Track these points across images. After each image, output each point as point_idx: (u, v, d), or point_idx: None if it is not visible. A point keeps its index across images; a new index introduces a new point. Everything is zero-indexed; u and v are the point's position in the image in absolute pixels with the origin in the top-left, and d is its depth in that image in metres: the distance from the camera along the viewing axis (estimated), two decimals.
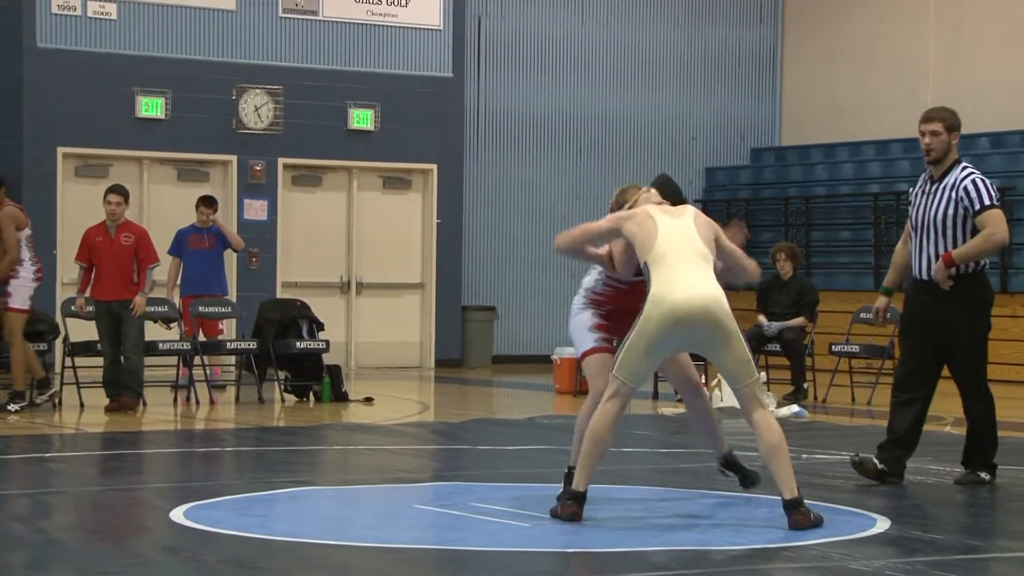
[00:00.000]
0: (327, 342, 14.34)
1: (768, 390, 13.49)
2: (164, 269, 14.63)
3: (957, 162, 8.32)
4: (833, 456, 9.71)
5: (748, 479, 7.61)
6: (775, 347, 14.57)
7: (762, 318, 14.57)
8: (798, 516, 6.65)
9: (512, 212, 20.28)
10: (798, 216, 20.01)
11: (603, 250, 7.39)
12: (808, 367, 14.48)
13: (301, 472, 9.03)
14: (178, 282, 14.68)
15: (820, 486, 8.17)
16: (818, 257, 19.67)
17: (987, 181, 8.32)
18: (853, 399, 14.42)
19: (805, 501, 6.73)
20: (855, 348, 14.96)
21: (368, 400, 13.99)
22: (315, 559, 6.04)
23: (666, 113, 21.04)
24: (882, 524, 6.91)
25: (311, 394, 14.02)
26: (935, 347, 8.31)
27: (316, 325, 14.43)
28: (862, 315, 15.32)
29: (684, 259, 6.85)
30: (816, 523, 6.65)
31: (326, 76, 18.73)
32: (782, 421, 12.34)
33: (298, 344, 14.09)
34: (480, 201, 20.06)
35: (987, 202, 8.18)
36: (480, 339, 19.66)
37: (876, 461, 8.25)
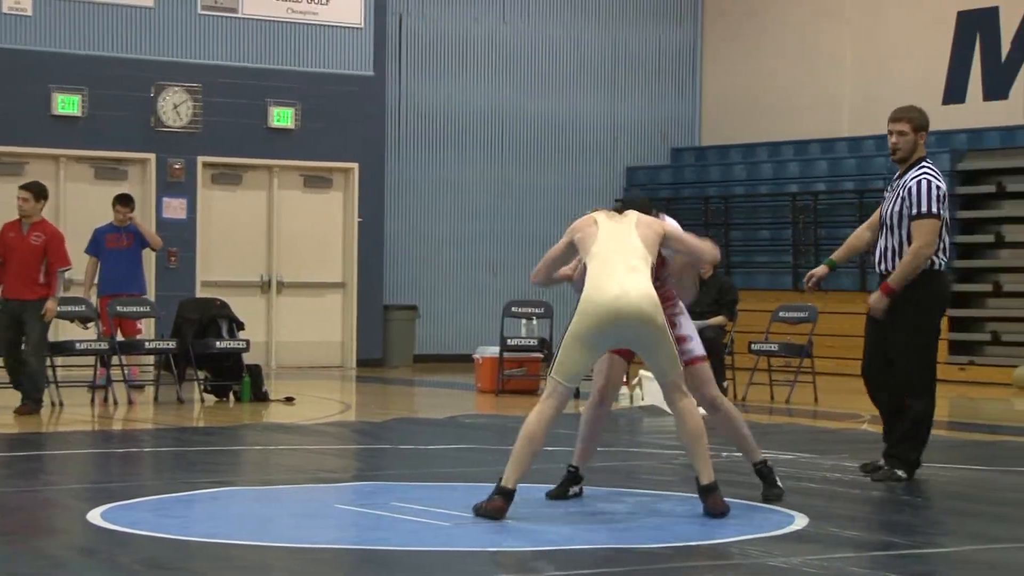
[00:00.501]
0: (247, 341, 14.25)
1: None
2: (81, 268, 14.50)
3: (919, 160, 8.39)
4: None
5: (769, 495, 7.53)
6: None
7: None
8: (714, 499, 6.89)
9: (434, 211, 20.26)
10: (718, 215, 20.15)
11: (568, 270, 7.43)
12: (728, 365, 14.59)
13: (221, 472, 8.97)
14: (96, 281, 14.53)
15: (739, 483, 8.22)
16: (737, 256, 19.83)
17: (935, 184, 8.31)
18: (772, 397, 14.55)
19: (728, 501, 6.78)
20: (774, 347, 15.09)
21: (289, 400, 13.92)
22: (233, 559, 6.00)
23: (588, 113, 21.11)
24: (800, 521, 6.97)
25: (231, 394, 13.92)
26: (886, 338, 8.37)
27: (236, 324, 14.33)
28: (780, 314, 15.46)
29: (619, 259, 6.99)
30: (727, 509, 6.88)
31: (246, 74, 18.61)
32: (704, 419, 12.46)
33: (218, 344, 13.99)
34: (402, 200, 20.03)
35: (923, 208, 8.22)
36: (401, 338, 19.63)
37: (882, 463, 8.39)
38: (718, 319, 14.60)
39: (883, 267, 8.40)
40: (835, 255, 8.80)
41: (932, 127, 21.16)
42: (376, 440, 10.72)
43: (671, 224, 7.34)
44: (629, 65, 21.39)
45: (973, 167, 18.32)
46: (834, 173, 19.51)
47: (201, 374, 14.04)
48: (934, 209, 8.22)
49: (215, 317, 14.27)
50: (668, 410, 13.03)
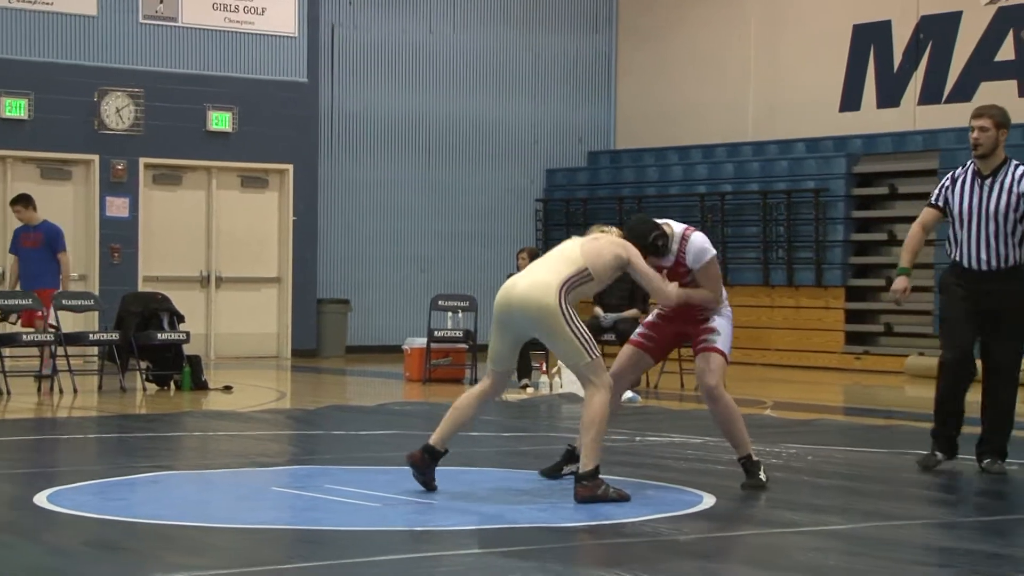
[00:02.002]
0: (187, 333, 14.14)
1: None
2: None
3: (1008, 159, 8.18)
4: (664, 438, 9.85)
5: (745, 484, 7.41)
6: (610, 337, 14.72)
7: (598, 310, 14.71)
8: (580, 488, 6.87)
9: (365, 210, 20.20)
10: (631, 214, 20.22)
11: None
12: None
13: (162, 457, 8.89)
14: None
15: (651, 466, 8.28)
16: None
17: None
18: (682, 385, 14.64)
19: (631, 479, 6.81)
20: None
21: (227, 388, 13.82)
22: (175, 540, 5.95)
23: (510, 117, 21.13)
24: (708, 501, 7.02)
25: (172, 383, 13.81)
26: (978, 333, 8.11)
27: (177, 317, 14.22)
28: None
29: (542, 263, 7.15)
30: (604, 498, 6.79)
31: (185, 80, 18.44)
32: (620, 406, 12.51)
33: (159, 335, 13.88)
34: (334, 200, 19.94)
35: None
36: (334, 330, 19.55)
37: (938, 455, 8.21)
38: (632, 312, 14.66)
39: (988, 261, 8.02)
40: (905, 262, 8.40)
41: (829, 132, 21.48)
42: (310, 426, 10.67)
43: (634, 258, 7.15)
44: (548, 73, 21.44)
45: (867, 170, 18.53)
46: (739, 175, 19.66)
47: (143, 364, 13.92)
48: None
49: (156, 310, 14.15)
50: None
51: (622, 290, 14.73)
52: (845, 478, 8.12)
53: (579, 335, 6.98)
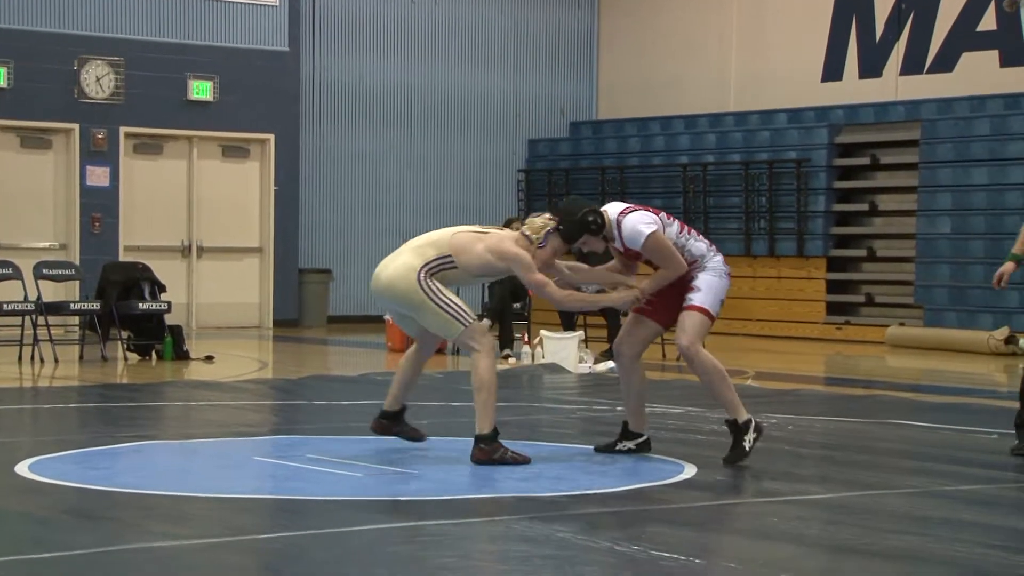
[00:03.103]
0: (169, 303, 14.09)
1: (587, 348, 13.64)
2: (7, 233, 14.23)
3: None
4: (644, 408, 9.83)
5: (729, 458, 7.27)
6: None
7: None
8: (476, 451, 7.03)
9: (346, 180, 20.15)
10: (613, 185, 20.22)
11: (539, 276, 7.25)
12: (623, 325, 14.64)
13: (144, 427, 8.87)
14: None
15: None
16: None
17: None
18: (664, 355, 14.66)
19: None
20: None
21: (209, 358, 13.79)
22: (156, 508, 5.94)
23: (492, 88, 21.07)
24: (689, 471, 7.03)
25: (153, 353, 13.78)
26: None
27: (158, 287, 14.18)
28: None
29: (411, 241, 7.37)
30: (501, 460, 6.95)
31: (166, 48, 18.34)
32: (600, 376, 12.56)
33: (141, 305, 13.83)
34: (315, 169, 19.88)
35: None
36: (316, 300, 19.53)
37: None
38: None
39: None
40: (1017, 248, 7.90)
41: (810, 103, 21.45)
42: (292, 396, 10.66)
43: (517, 264, 7.07)
44: (531, 44, 21.37)
45: (849, 140, 18.54)
46: (721, 146, 19.66)
47: (125, 334, 13.87)
48: None
49: (138, 280, 14.11)
50: (568, 368, 13.09)
51: (605, 260, 14.71)
52: (826, 448, 8.14)
53: (446, 307, 7.06)
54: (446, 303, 7.06)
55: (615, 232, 7.33)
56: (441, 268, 7.13)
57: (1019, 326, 15.94)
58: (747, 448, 7.20)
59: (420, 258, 7.14)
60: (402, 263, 7.16)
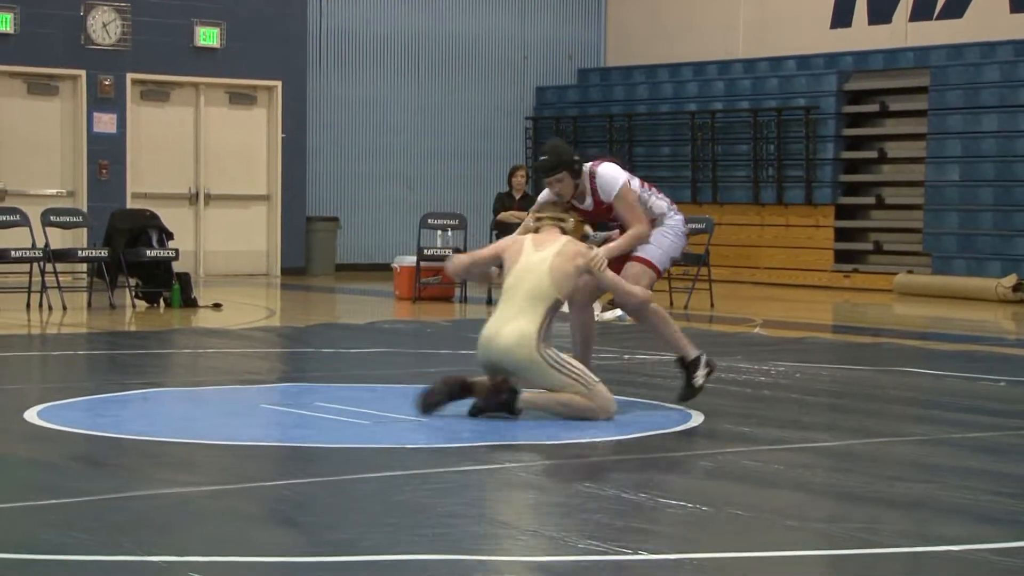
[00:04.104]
0: (176, 251, 14.09)
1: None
2: (12, 179, 14.19)
3: None
4: (652, 356, 9.85)
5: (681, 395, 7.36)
6: None
7: (588, 228, 14.65)
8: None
9: (354, 127, 20.08)
10: (621, 133, 20.14)
11: (492, 273, 7.27)
12: None
13: (152, 374, 8.88)
14: None
15: (641, 384, 8.29)
16: (640, 171, 19.70)
17: None
18: (671, 303, 14.65)
19: (620, 397, 6.81)
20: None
21: (217, 306, 13.80)
22: (164, 456, 5.95)
23: (500, 34, 20.95)
24: (697, 419, 7.04)
25: (161, 300, 13.78)
26: None
27: (166, 234, 14.17)
28: None
29: (510, 299, 6.91)
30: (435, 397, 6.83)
31: None
32: (607, 325, 12.55)
33: (148, 252, 13.83)
34: (323, 117, 19.81)
35: None
36: (324, 248, 19.51)
37: None
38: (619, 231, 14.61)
39: None
40: None
41: (819, 50, 21.30)
42: (300, 344, 10.66)
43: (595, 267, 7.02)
44: None
45: (858, 87, 18.42)
46: (730, 93, 19.54)
47: (132, 281, 13.88)
48: None
49: (145, 227, 14.10)
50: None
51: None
52: (833, 395, 8.13)
53: (570, 374, 6.87)
54: (569, 369, 6.88)
55: (586, 184, 7.26)
56: (552, 318, 6.94)
57: None
58: (697, 384, 7.30)
59: (533, 321, 6.85)
60: (516, 331, 6.83)
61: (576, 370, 6.90)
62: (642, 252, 7.30)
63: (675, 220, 7.40)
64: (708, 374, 7.35)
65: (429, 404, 6.88)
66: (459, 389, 6.91)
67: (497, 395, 6.83)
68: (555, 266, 6.97)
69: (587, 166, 7.36)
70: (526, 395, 6.85)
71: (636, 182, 7.41)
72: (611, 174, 7.31)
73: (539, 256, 7.01)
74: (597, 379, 6.93)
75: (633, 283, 7.21)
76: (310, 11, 19.45)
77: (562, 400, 6.84)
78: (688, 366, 7.33)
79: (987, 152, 16.84)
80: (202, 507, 4.99)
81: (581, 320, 7.53)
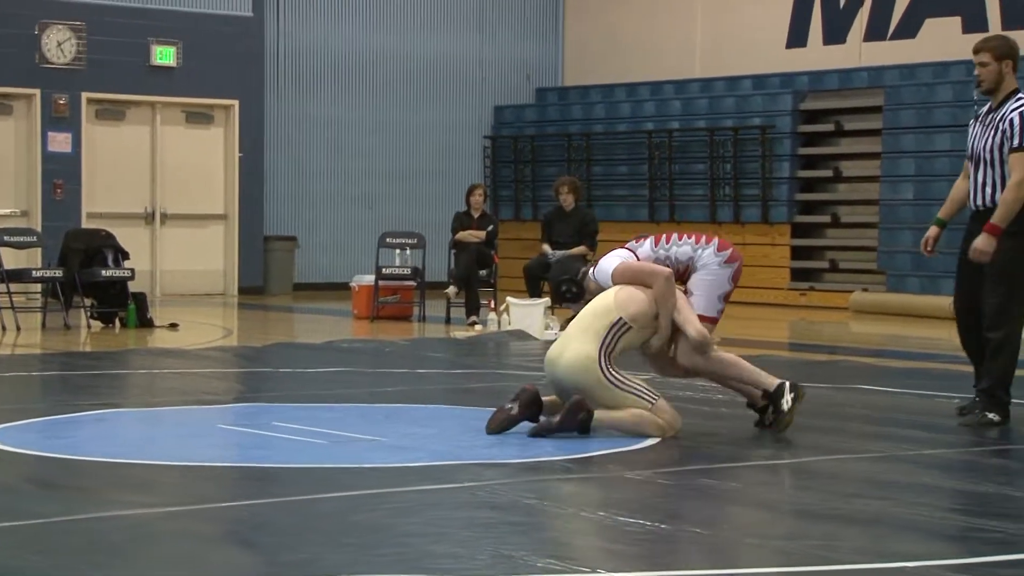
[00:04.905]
0: (132, 270, 14.01)
1: (553, 314, 13.64)
2: None
3: (1014, 92, 7.55)
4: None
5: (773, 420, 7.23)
6: None
7: (546, 247, 14.70)
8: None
9: (311, 146, 20.05)
10: (579, 152, 20.20)
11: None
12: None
13: (107, 395, 8.81)
14: None
15: None
16: (598, 190, 19.91)
17: None
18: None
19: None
20: None
21: (173, 326, 13.73)
22: (120, 477, 5.90)
23: (458, 53, 20.98)
24: (655, 437, 7.04)
25: (117, 320, 13.69)
26: (982, 275, 7.68)
27: (121, 254, 14.09)
28: None
29: (577, 321, 7.00)
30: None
31: (128, 13, 18.18)
32: None
33: (104, 272, 13.75)
34: (281, 136, 19.77)
35: (1022, 142, 7.43)
36: (281, 267, 19.45)
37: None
38: (580, 249, 14.65)
39: (979, 202, 7.64)
40: (941, 213, 7.98)
41: (775, 69, 21.49)
42: (257, 364, 10.62)
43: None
44: (496, 8, 21.29)
45: (813, 107, 18.56)
46: (687, 112, 19.64)
47: (87, 301, 13.79)
48: None
49: (101, 247, 14.02)
50: (534, 334, 13.10)
51: (571, 228, 14.72)
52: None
53: (633, 391, 6.85)
54: (631, 387, 6.85)
55: (596, 284, 7.18)
56: (617, 338, 6.84)
57: None
58: (785, 409, 7.08)
59: (595, 339, 6.81)
60: (577, 350, 6.80)
61: (637, 387, 6.88)
62: (702, 311, 7.06)
63: (706, 255, 7.11)
64: (794, 398, 7.09)
65: (502, 424, 6.87)
66: (535, 407, 6.91)
67: (574, 415, 6.79)
68: (621, 291, 6.94)
69: (591, 272, 7.18)
70: (598, 413, 6.85)
71: (645, 246, 7.19)
72: (603, 271, 7.12)
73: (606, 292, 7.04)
74: (659, 395, 6.91)
75: (686, 350, 7.00)
76: (267, 30, 19.42)
77: (629, 419, 6.83)
78: (773, 396, 7.13)
79: (940, 171, 16.98)
80: (158, 529, 4.95)
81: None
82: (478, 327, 13.86)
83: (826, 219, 18.36)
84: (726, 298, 7.17)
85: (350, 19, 20.21)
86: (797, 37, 19.07)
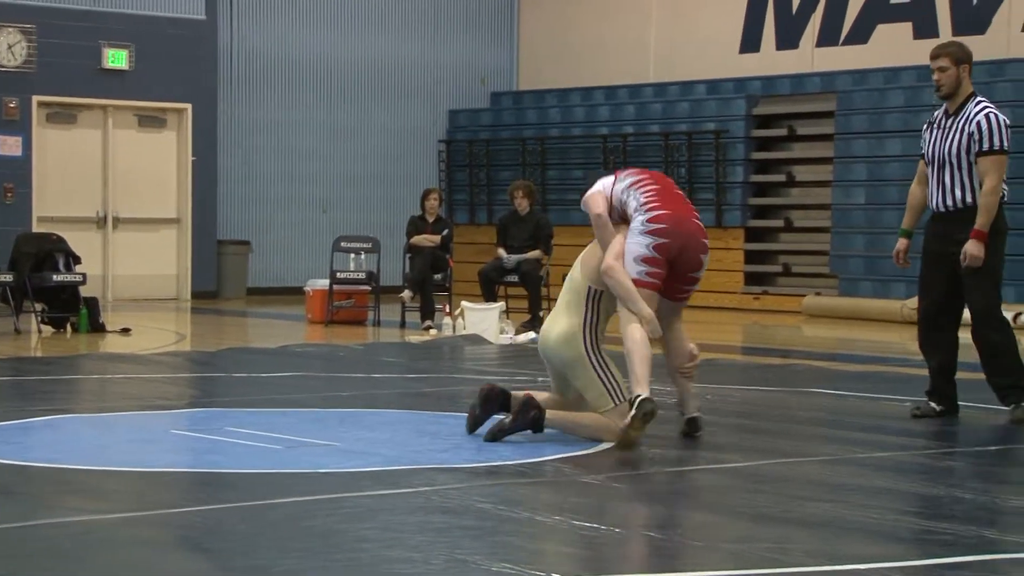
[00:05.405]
0: (84, 275, 13.92)
1: (508, 318, 13.66)
2: None
3: (972, 95, 7.76)
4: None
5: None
6: (514, 278, 14.75)
7: (502, 251, 14.72)
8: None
9: (265, 150, 19.98)
10: (534, 156, 20.23)
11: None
12: (544, 296, 14.71)
13: (58, 401, 8.75)
14: None
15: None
16: (553, 194, 19.94)
17: (1001, 118, 7.71)
18: None
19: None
20: None
21: (125, 331, 13.64)
22: (72, 483, 5.87)
23: (413, 57, 20.97)
24: (608, 441, 7.06)
25: (68, 325, 13.60)
26: (955, 276, 7.79)
27: (72, 258, 14.00)
28: None
29: (560, 298, 7.09)
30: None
31: (80, 16, 18.06)
32: (521, 347, 12.58)
33: (55, 277, 13.65)
34: (234, 140, 19.69)
35: (995, 144, 7.62)
36: (235, 272, 19.37)
37: (932, 404, 7.94)
38: (535, 253, 14.69)
39: (948, 203, 7.74)
40: (905, 223, 8.07)
41: (728, 74, 21.63)
42: (210, 368, 10.57)
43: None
44: (450, 12, 21.29)
45: (766, 112, 18.67)
46: (641, 117, 19.71)
47: (38, 306, 13.68)
48: (1005, 145, 7.64)
49: (52, 251, 13.92)
50: (489, 339, 13.10)
51: (526, 232, 14.74)
52: (743, 416, 8.21)
53: (606, 383, 6.88)
54: (607, 378, 6.89)
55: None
56: (596, 308, 6.92)
57: None
58: (626, 421, 6.91)
59: (577, 313, 6.91)
60: (562, 326, 6.91)
61: (614, 381, 6.91)
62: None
63: (637, 220, 7.07)
64: (637, 416, 6.86)
65: (471, 426, 6.97)
66: (493, 402, 6.98)
67: (526, 413, 6.84)
68: (585, 258, 7.06)
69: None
70: (548, 415, 6.90)
71: (626, 183, 7.21)
72: (585, 196, 7.23)
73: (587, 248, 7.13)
74: (626, 399, 6.89)
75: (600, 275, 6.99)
76: (220, 33, 19.34)
77: (580, 422, 6.90)
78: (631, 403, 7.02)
79: (891, 176, 17.13)
80: (110, 535, 4.92)
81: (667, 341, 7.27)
82: (433, 331, 13.85)
83: (779, 223, 18.47)
84: (649, 262, 7.00)
85: (304, 23, 20.16)
86: (750, 42, 19.18)
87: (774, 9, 18.95)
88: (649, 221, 7.07)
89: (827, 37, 18.51)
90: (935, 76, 7.79)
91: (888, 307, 16.35)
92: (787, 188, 18.63)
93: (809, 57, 18.69)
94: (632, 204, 7.16)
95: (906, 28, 17.84)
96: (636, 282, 7.00)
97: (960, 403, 8.04)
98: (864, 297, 16.93)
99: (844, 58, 18.27)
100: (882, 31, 18.02)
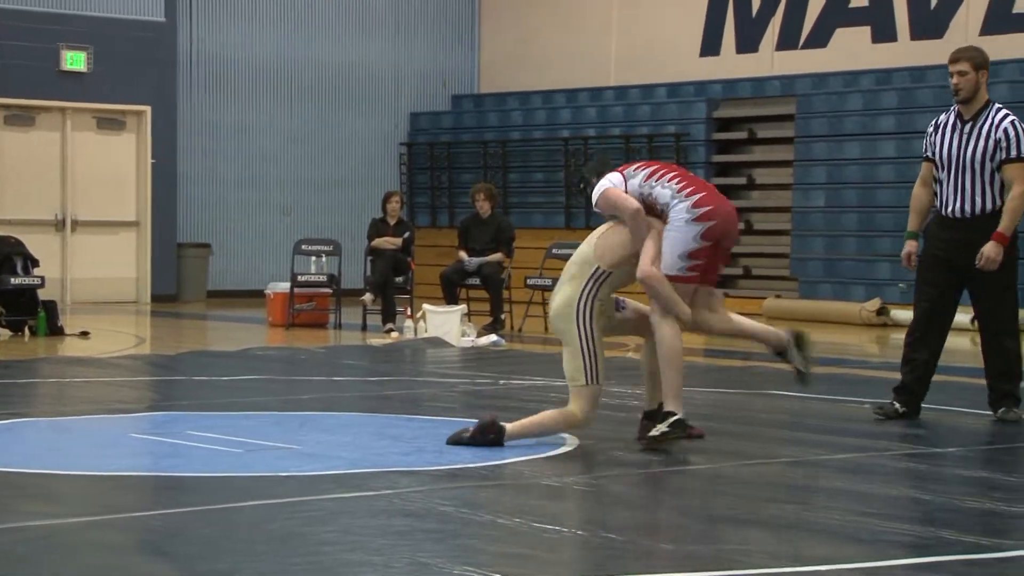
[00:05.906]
0: (42, 278, 13.82)
1: (469, 321, 13.65)
2: None
3: (990, 103, 7.79)
4: (527, 381, 9.89)
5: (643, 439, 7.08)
6: (475, 281, 14.74)
7: (463, 254, 14.70)
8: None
9: (226, 153, 19.90)
10: (496, 159, 20.22)
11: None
12: (505, 299, 14.71)
13: (15, 404, 8.67)
14: None
15: (514, 409, 8.29)
16: (514, 197, 19.95)
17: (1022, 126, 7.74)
18: (546, 328, 14.70)
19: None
20: (548, 281, 15.22)
21: (84, 334, 13.55)
22: (28, 487, 5.81)
23: (373, 61, 20.93)
24: (571, 443, 7.07)
25: (26, 328, 13.49)
26: (958, 284, 7.82)
27: (31, 261, 13.91)
28: (554, 251, 15.60)
29: (565, 270, 7.10)
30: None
31: (38, 18, 17.94)
32: (483, 350, 12.57)
33: (12, 280, 13.55)
34: (194, 142, 19.60)
35: (1022, 152, 7.65)
36: (195, 275, 19.28)
37: (896, 405, 7.97)
38: (497, 256, 14.69)
39: (967, 209, 7.76)
40: (911, 226, 8.03)
41: (689, 78, 21.66)
42: (170, 372, 10.51)
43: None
44: (412, 16, 21.27)
45: (727, 115, 18.73)
46: (602, 120, 19.74)
47: None
48: None
49: (10, 254, 13.83)
50: (450, 341, 13.09)
51: (488, 234, 14.74)
52: (704, 419, 8.21)
53: (585, 358, 6.82)
54: (591, 353, 6.82)
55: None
56: (598, 285, 6.89)
57: (891, 298, 16.26)
58: (656, 435, 6.85)
59: (578, 286, 6.90)
60: (562, 296, 6.92)
61: (594, 360, 6.85)
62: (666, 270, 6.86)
63: (679, 208, 6.83)
64: (668, 434, 6.78)
65: (458, 443, 6.87)
66: (491, 439, 6.84)
67: (484, 435, 6.81)
68: (602, 236, 7.03)
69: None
70: (508, 428, 6.87)
71: (638, 178, 6.98)
72: (595, 190, 7.08)
73: (596, 231, 7.11)
74: (599, 383, 6.85)
75: (655, 304, 6.90)
76: (180, 36, 19.25)
77: (540, 424, 6.91)
78: (664, 415, 6.88)
79: (850, 179, 17.22)
80: (69, 539, 4.88)
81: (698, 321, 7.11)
82: (394, 334, 13.82)
83: (740, 226, 18.53)
84: (695, 256, 6.85)
85: (264, 25, 20.08)
86: (710, 46, 19.25)
87: (734, 13, 19.02)
88: (694, 206, 6.84)
89: (787, 41, 18.59)
90: (954, 80, 7.79)
91: (847, 309, 16.43)
92: (747, 191, 18.70)
93: (769, 60, 18.77)
94: (665, 194, 6.90)
95: (864, 32, 17.94)
96: (675, 278, 6.88)
97: (922, 405, 8.09)
98: (824, 299, 17.00)
99: (804, 61, 18.36)
100: (841, 35, 18.12)
